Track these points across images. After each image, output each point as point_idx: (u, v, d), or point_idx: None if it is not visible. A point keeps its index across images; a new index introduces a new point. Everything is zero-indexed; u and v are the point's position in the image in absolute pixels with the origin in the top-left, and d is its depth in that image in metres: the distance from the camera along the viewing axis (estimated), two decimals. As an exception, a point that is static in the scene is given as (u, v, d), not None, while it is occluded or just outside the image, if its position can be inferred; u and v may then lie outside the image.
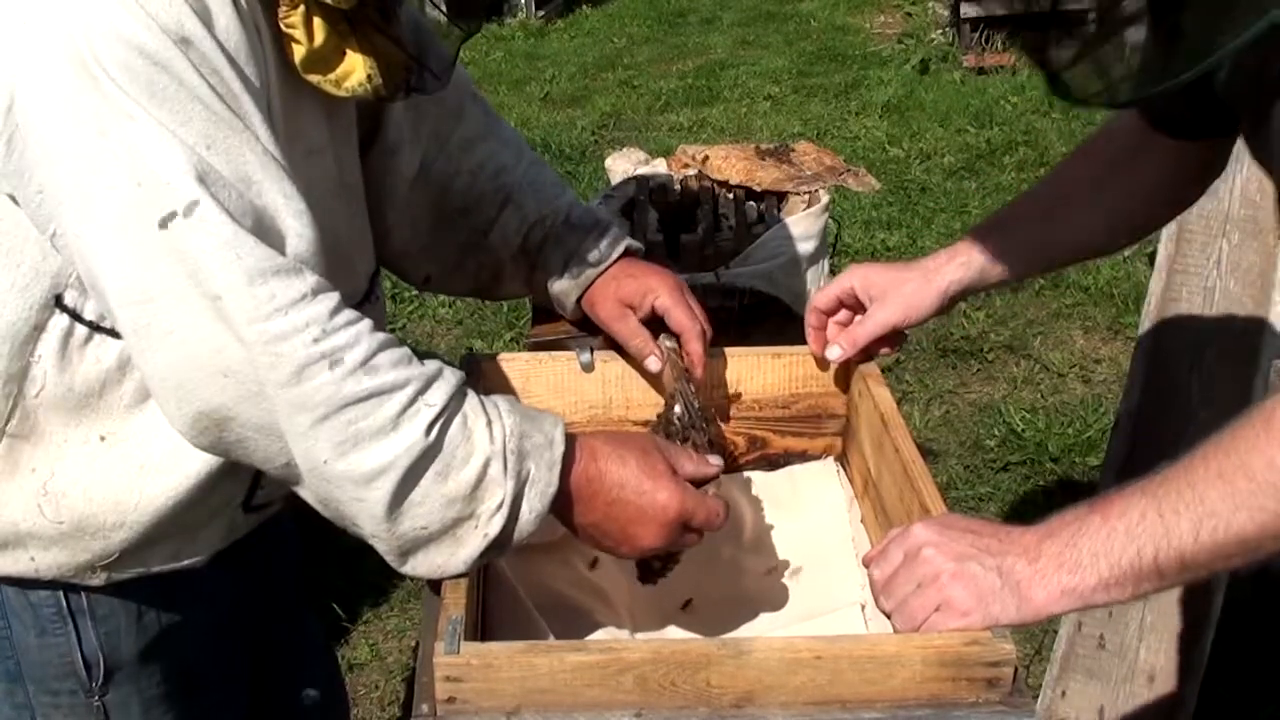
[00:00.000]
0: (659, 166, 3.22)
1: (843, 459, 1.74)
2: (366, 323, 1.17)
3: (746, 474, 1.71)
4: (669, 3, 9.58)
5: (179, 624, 1.42)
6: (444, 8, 1.35)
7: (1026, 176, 5.55)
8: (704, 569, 1.62)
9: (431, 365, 1.20)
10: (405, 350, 1.19)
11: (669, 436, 1.49)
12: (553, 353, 1.69)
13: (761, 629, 1.52)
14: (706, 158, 3.13)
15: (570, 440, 1.26)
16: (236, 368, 1.12)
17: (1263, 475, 1.09)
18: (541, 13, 9.09)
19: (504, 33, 8.69)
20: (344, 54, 1.24)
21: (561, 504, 1.25)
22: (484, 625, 1.40)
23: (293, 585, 1.73)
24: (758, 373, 1.69)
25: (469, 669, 1.15)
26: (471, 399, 1.21)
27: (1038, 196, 1.66)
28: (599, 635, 1.48)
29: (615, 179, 3.23)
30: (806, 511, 1.68)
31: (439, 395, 1.17)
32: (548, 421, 1.25)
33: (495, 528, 1.20)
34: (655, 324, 1.60)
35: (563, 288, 1.62)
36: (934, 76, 7.33)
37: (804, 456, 1.74)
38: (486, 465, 1.19)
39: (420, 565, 1.22)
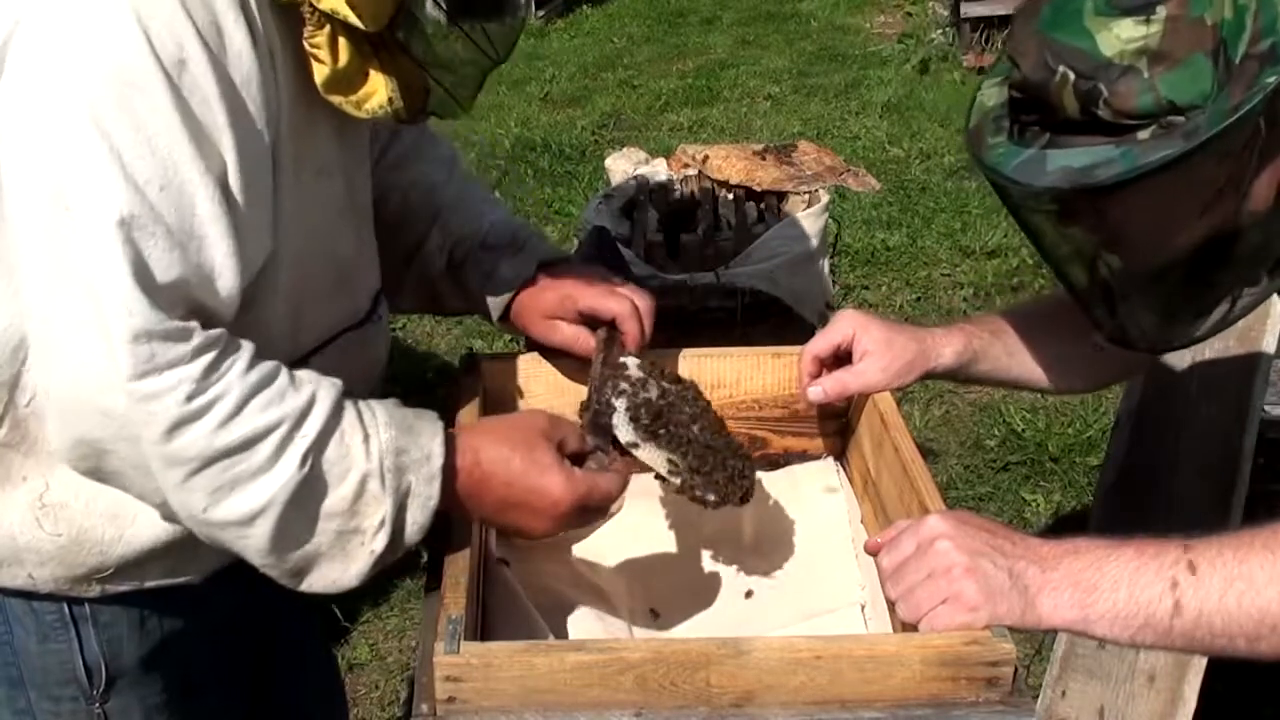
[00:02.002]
0: (659, 166, 3.22)
1: (842, 459, 1.74)
2: (238, 368, 1.15)
3: (746, 474, 1.71)
4: (669, 3, 9.58)
5: (181, 631, 1.42)
6: (472, 35, 1.34)
7: (1026, 177, 5.55)
8: (704, 569, 1.63)
9: (305, 391, 1.19)
10: (282, 382, 1.17)
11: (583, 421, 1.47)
12: (552, 353, 1.69)
13: (761, 629, 1.52)
14: (706, 158, 3.13)
15: (451, 444, 1.26)
16: (116, 412, 1.11)
17: None
18: (541, 13, 9.09)
19: (504, 33, 8.66)
20: (367, 75, 1.24)
21: (449, 506, 1.27)
22: (484, 625, 1.40)
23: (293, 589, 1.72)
24: (758, 373, 1.69)
25: (469, 669, 1.15)
26: (349, 414, 1.21)
27: (1031, 317, 1.69)
28: (599, 635, 1.48)
29: (615, 179, 3.24)
30: (806, 511, 1.68)
31: (313, 425, 1.17)
32: (425, 432, 1.25)
33: (380, 543, 1.22)
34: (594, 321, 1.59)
35: (484, 308, 1.62)
36: (934, 76, 7.33)
37: (804, 456, 1.74)
38: (364, 482, 1.20)
39: (315, 582, 1.23)
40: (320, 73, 1.21)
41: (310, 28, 1.19)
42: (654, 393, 1.48)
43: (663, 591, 1.60)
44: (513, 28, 1.37)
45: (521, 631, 1.40)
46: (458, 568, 1.29)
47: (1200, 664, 2.29)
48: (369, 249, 1.48)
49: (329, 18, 1.18)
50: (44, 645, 1.36)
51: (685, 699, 1.17)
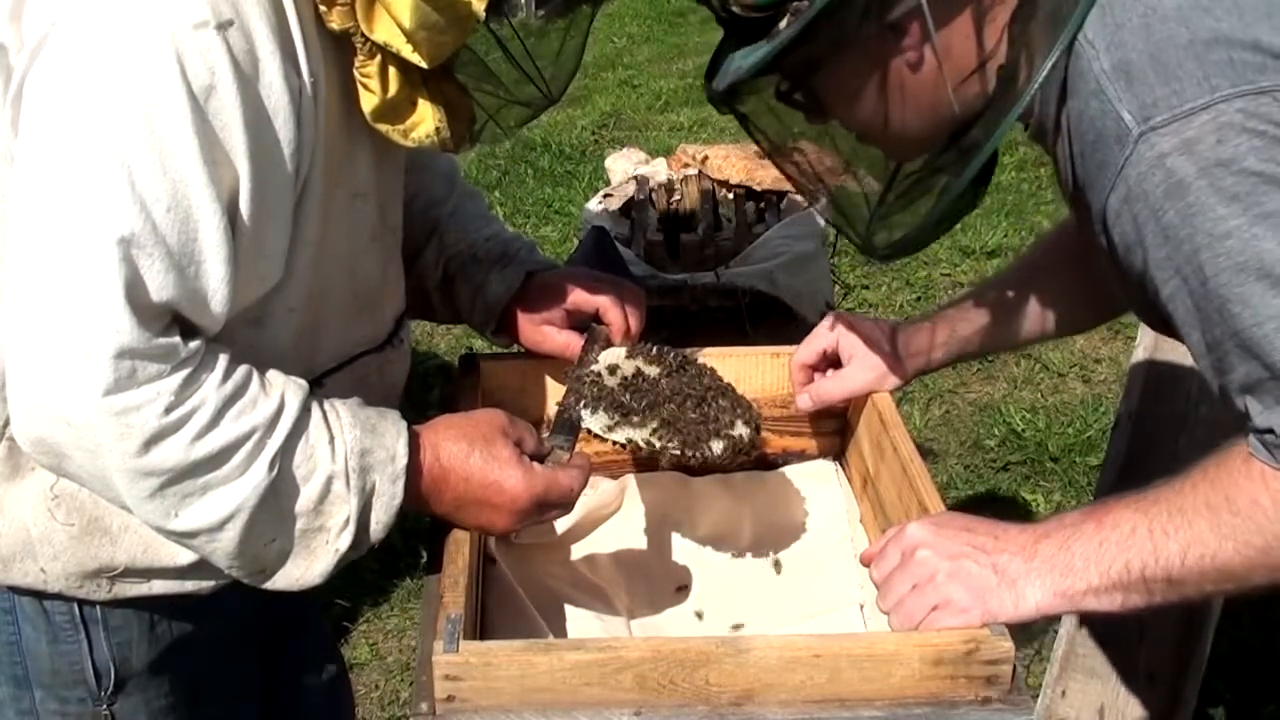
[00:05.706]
0: (659, 166, 3.22)
1: (841, 459, 1.74)
2: (214, 380, 1.15)
3: (745, 474, 1.71)
4: (669, 3, 9.58)
5: (191, 635, 1.41)
6: (531, 75, 1.36)
7: (1026, 176, 5.54)
8: (703, 568, 1.63)
9: (275, 396, 1.19)
10: (254, 389, 1.18)
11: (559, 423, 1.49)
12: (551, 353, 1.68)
13: (761, 628, 1.52)
14: (706, 158, 3.13)
15: (414, 442, 1.26)
16: (79, 422, 1.11)
17: (1247, 511, 1.12)
18: (541, 13, 9.09)
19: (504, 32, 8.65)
20: (415, 104, 1.24)
21: (412, 503, 1.27)
22: (483, 624, 1.40)
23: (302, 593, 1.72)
24: (757, 372, 1.69)
25: (468, 667, 1.15)
26: (315, 416, 1.21)
27: (1007, 282, 1.69)
28: (598, 634, 1.48)
29: (615, 179, 3.24)
30: (805, 511, 1.68)
31: (283, 430, 1.18)
32: (390, 433, 1.25)
33: (345, 542, 1.22)
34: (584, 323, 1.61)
35: (476, 321, 1.63)
36: (934, 76, 7.31)
37: (803, 456, 1.74)
38: (329, 482, 1.20)
39: (279, 580, 1.24)
40: (369, 102, 1.21)
41: (361, 57, 1.19)
42: (622, 376, 1.49)
43: (661, 591, 1.60)
44: (569, 67, 1.41)
45: (520, 630, 1.40)
46: (457, 567, 1.29)
47: (1200, 664, 2.29)
48: (395, 271, 1.48)
49: (380, 48, 1.19)
50: (54, 646, 1.36)
51: (684, 697, 1.17)
